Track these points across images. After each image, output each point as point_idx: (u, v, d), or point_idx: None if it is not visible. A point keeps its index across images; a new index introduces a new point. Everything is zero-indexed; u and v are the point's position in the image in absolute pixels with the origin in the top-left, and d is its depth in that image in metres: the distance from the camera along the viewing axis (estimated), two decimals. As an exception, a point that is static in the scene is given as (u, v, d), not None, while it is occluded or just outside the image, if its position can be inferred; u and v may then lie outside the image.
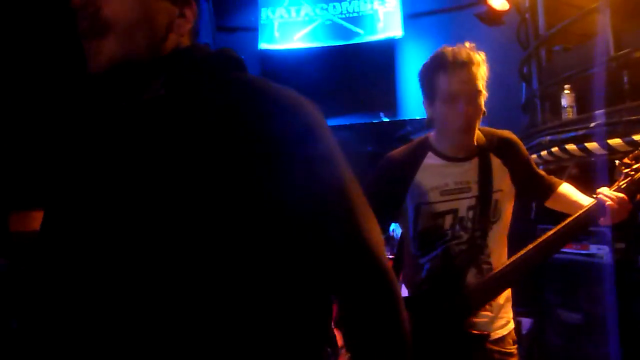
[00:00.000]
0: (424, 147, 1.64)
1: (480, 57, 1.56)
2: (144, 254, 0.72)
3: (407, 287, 1.80)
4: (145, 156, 0.76)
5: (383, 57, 4.95)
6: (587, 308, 2.45)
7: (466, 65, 1.51)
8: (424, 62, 1.60)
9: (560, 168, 2.79)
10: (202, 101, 0.79)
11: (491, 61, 4.79)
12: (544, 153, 2.83)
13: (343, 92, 5.06)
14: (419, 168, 1.62)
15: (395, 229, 5.33)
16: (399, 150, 1.68)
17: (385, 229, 2.18)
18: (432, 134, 1.65)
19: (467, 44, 1.58)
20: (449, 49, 1.55)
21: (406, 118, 5.14)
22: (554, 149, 2.71)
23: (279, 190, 0.75)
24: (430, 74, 1.55)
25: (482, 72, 1.55)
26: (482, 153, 1.63)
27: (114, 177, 0.77)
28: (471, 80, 1.52)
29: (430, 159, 1.63)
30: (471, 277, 1.60)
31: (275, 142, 0.76)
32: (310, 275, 0.80)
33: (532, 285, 2.74)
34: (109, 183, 0.77)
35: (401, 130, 5.60)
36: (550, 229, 1.56)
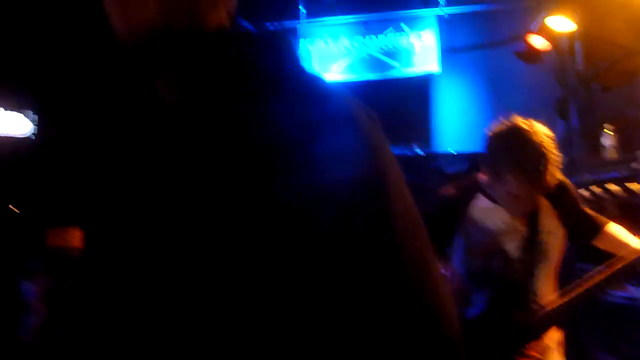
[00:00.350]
0: (474, 188, 1.68)
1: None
2: (182, 258, 0.61)
3: None
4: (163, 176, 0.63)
5: (419, 90, 5.01)
6: (628, 351, 2.38)
7: (539, 144, 1.55)
8: (496, 132, 1.61)
9: (600, 207, 2.76)
10: (232, 115, 0.60)
11: (527, 97, 4.86)
12: (583, 191, 2.80)
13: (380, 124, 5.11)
14: (469, 208, 1.66)
15: None
16: (448, 189, 1.73)
17: None
18: (482, 176, 1.68)
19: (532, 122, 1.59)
20: (520, 127, 1.57)
21: (440, 152, 5.15)
22: (595, 188, 2.68)
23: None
24: (502, 151, 1.58)
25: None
26: None
27: (149, 189, 0.66)
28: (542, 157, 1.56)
29: (481, 201, 1.67)
30: (517, 316, 1.60)
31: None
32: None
33: (571, 326, 2.68)
34: (145, 197, 0.66)
35: (434, 163, 5.61)
36: (590, 269, 1.56)
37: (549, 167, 1.53)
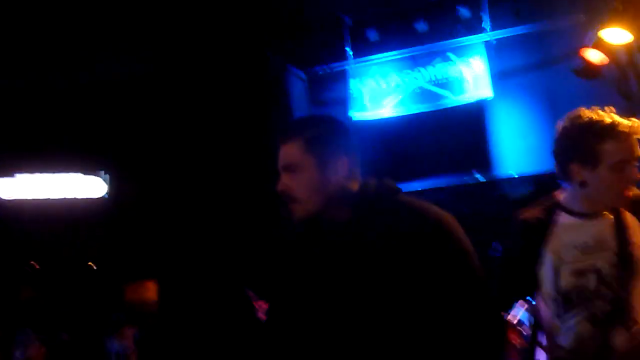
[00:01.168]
0: (554, 207, 1.66)
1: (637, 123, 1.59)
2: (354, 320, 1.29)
3: (547, 351, 1.75)
4: (343, 260, 1.33)
5: (474, 117, 4.97)
6: None
7: (631, 132, 1.56)
8: (572, 124, 1.63)
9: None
10: (376, 223, 1.33)
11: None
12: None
13: (435, 154, 5.10)
14: (554, 227, 1.63)
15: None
16: (529, 212, 1.70)
17: (519, 298, 2.11)
18: (560, 193, 1.66)
19: (611, 109, 1.61)
20: (606, 115, 1.59)
21: (502, 176, 5.05)
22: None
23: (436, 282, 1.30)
24: (594, 140, 1.57)
25: None
26: (613, 209, 1.62)
27: (326, 275, 1.34)
28: (637, 147, 1.57)
29: (564, 218, 1.64)
30: (619, 338, 1.53)
31: (421, 248, 1.31)
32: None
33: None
34: (322, 279, 1.34)
35: (498, 189, 5.48)
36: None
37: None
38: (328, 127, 1.43)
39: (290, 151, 1.37)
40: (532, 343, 1.83)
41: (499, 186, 5.42)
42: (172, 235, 5.22)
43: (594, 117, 1.58)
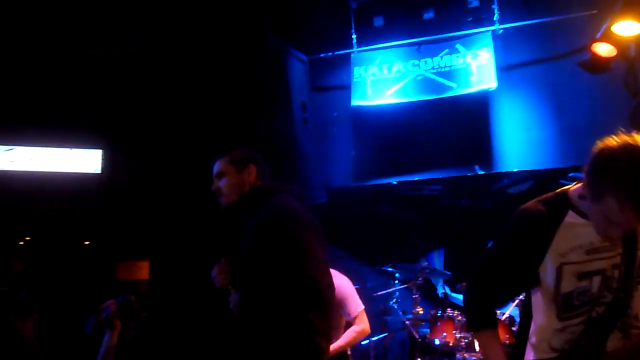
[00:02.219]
0: (564, 204, 1.58)
1: None
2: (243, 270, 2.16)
3: (535, 350, 1.69)
4: (245, 238, 2.21)
5: (477, 109, 4.88)
6: None
7: None
8: (619, 150, 1.42)
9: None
10: (259, 216, 2.17)
11: (594, 110, 4.58)
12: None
13: (435, 146, 5.02)
14: (560, 225, 1.56)
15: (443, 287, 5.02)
16: (534, 205, 1.62)
17: (517, 294, 2.05)
18: (572, 192, 1.58)
19: None
20: None
21: (503, 170, 4.97)
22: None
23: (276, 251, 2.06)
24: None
25: None
26: None
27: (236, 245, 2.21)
28: None
29: (572, 218, 1.57)
30: (615, 341, 1.48)
31: (278, 232, 2.08)
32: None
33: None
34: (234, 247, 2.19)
35: (498, 183, 5.41)
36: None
37: None
38: (244, 148, 2.36)
39: (220, 164, 2.30)
40: (520, 341, 1.77)
41: (498, 180, 5.36)
42: (165, 214, 5.17)
43: (618, 146, 1.42)
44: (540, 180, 5.06)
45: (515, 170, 4.92)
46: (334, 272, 3.48)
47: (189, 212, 4.93)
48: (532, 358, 1.72)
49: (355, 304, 3.41)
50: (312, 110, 5.08)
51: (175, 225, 5.18)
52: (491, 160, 4.94)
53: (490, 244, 1.88)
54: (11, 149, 5.33)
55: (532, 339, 1.70)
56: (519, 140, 4.87)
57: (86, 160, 5.39)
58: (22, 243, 6.47)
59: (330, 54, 5.37)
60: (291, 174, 4.50)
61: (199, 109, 4.82)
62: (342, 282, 3.42)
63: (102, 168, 5.41)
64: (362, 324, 3.39)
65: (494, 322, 1.77)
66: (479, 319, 1.72)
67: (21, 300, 2.28)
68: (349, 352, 3.50)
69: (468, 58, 4.90)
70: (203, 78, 4.72)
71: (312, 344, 1.91)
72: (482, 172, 4.93)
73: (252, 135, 4.29)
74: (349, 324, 3.44)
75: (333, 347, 3.21)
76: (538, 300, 1.66)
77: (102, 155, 5.42)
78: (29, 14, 4.72)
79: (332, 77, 5.51)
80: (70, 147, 5.42)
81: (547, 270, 1.55)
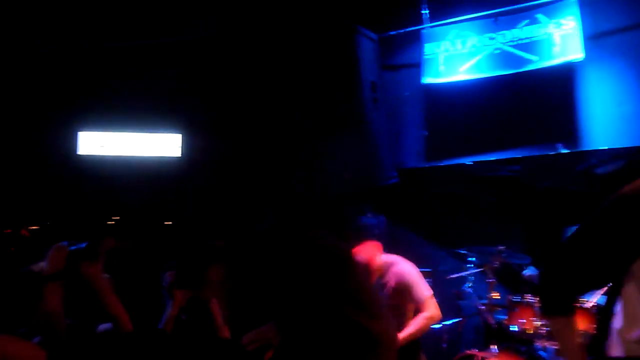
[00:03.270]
0: None
1: None
2: None
3: (624, 345, 1.54)
4: None
5: (560, 83, 4.54)
6: None
7: None
8: None
9: None
10: None
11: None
12: None
13: (513, 123, 4.75)
14: None
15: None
16: (634, 189, 1.45)
17: (603, 284, 1.84)
18: None
19: None
20: None
21: (589, 149, 4.61)
22: None
23: None
24: None
25: None
26: None
27: None
28: None
29: None
30: None
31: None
32: None
33: None
34: None
35: (583, 163, 5.04)
36: None
37: None
38: None
39: None
40: (601, 331, 1.62)
41: (584, 160, 4.98)
42: (243, 198, 5.31)
43: None
44: (633, 159, 4.65)
45: (604, 148, 4.55)
46: (398, 258, 3.43)
47: (265, 195, 5.04)
48: (618, 354, 1.56)
49: (423, 289, 3.32)
50: (382, 89, 4.97)
51: (250, 210, 5.31)
52: (576, 138, 4.60)
53: (579, 226, 1.66)
54: (96, 133, 5.69)
55: (622, 333, 1.54)
56: (609, 116, 4.49)
57: (167, 145, 5.65)
58: (111, 223, 6.93)
59: (400, 31, 5.21)
60: (362, 155, 4.45)
61: (270, 92, 4.88)
62: (407, 268, 3.37)
63: (182, 152, 5.65)
64: (431, 309, 3.30)
65: (571, 308, 1.62)
66: (554, 304, 1.60)
67: (85, 247, 2.39)
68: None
69: (551, 28, 4.55)
70: (273, 60, 4.76)
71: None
72: (566, 151, 4.61)
73: (322, 116, 4.28)
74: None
75: (402, 335, 3.18)
76: (631, 292, 1.49)
77: (182, 139, 5.64)
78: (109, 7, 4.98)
79: (403, 55, 5.36)
80: (152, 131, 5.69)
81: None
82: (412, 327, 3.27)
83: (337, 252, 1.81)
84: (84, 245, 2.43)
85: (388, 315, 1.86)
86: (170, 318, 2.90)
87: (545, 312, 1.73)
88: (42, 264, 2.33)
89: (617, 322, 1.59)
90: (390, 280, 3.34)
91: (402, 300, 3.33)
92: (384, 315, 1.81)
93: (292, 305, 1.73)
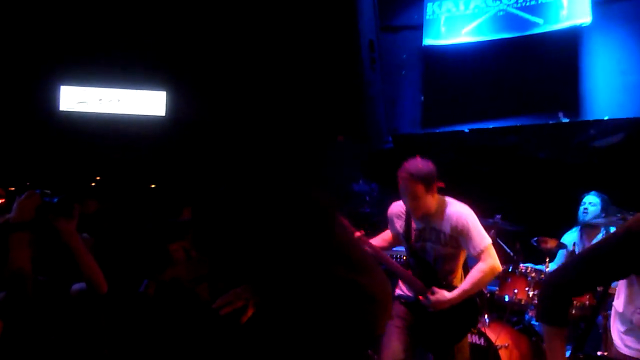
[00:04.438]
0: None
1: None
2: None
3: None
4: None
5: (565, 48, 4.38)
6: None
7: None
8: None
9: None
10: None
11: None
12: None
13: (514, 90, 4.60)
14: None
15: None
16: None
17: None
18: None
19: None
20: None
21: (590, 119, 4.48)
22: None
23: None
24: None
25: None
26: None
27: None
28: None
29: None
30: None
31: None
32: None
33: None
34: None
35: (583, 134, 4.92)
36: None
37: None
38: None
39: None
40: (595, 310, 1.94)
41: (584, 131, 4.86)
42: (228, 158, 5.13)
43: None
44: (633, 132, 4.54)
45: (605, 118, 4.43)
46: (452, 200, 2.87)
47: (249, 157, 4.86)
48: (617, 330, 1.75)
49: (481, 237, 2.77)
50: (380, 52, 4.78)
51: (235, 169, 5.14)
52: (578, 107, 4.47)
53: (587, 250, 1.90)
54: (79, 88, 5.42)
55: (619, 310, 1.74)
56: (613, 85, 4.36)
57: (151, 103, 5.41)
58: (93, 184, 6.72)
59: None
60: (356, 116, 4.28)
61: (261, 47, 4.65)
62: (465, 211, 2.81)
63: (166, 111, 5.43)
64: (489, 260, 2.75)
65: (566, 321, 1.74)
66: (552, 315, 1.72)
67: (59, 202, 2.23)
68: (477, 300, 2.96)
69: (558, -10, 4.37)
70: (266, 15, 4.53)
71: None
72: (567, 120, 4.48)
73: (316, 73, 4.08)
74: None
75: (455, 292, 2.72)
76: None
77: (166, 97, 5.42)
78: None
79: (403, 16, 5.14)
80: (136, 88, 5.45)
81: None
82: (466, 283, 2.75)
83: (325, 209, 1.77)
84: (56, 199, 2.27)
85: (380, 270, 1.84)
86: (151, 283, 2.82)
87: (542, 319, 1.82)
88: (10, 214, 2.15)
89: (618, 302, 1.79)
90: (444, 225, 2.79)
91: (456, 248, 2.81)
92: (377, 271, 1.80)
93: (279, 266, 1.67)
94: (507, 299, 3.89)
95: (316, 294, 1.64)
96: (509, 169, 5.36)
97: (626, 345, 1.70)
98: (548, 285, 1.80)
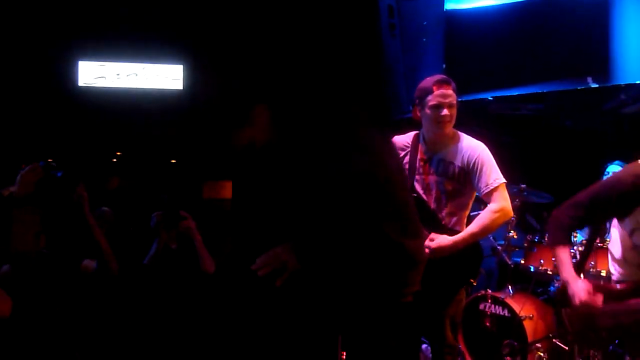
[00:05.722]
0: None
1: None
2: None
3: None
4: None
5: (595, 9, 4.17)
6: None
7: None
8: None
9: None
10: None
11: None
12: None
13: (540, 54, 4.41)
14: None
15: None
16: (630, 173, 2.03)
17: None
18: None
19: None
20: None
21: (622, 83, 4.28)
22: None
23: None
24: None
25: None
26: None
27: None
28: None
29: None
30: None
31: None
32: None
33: None
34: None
35: (612, 100, 4.71)
36: None
37: None
38: None
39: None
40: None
41: (613, 96, 4.66)
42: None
43: None
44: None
45: (638, 82, 4.23)
46: (466, 135, 2.69)
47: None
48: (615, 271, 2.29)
49: (496, 174, 2.53)
50: (399, 18, 4.63)
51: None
52: (608, 70, 4.26)
53: (588, 189, 2.15)
54: (102, 65, 5.40)
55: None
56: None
57: (168, 77, 5.37)
58: (115, 160, 6.76)
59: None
60: (376, 85, 4.17)
61: (278, 17, 4.55)
62: (478, 144, 2.60)
63: (183, 85, 5.38)
64: (501, 202, 2.48)
65: (570, 241, 2.29)
66: (563, 240, 2.14)
67: (62, 176, 2.26)
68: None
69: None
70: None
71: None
72: (596, 85, 4.29)
73: (334, 42, 3.97)
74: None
75: (460, 235, 2.48)
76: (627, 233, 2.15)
77: (183, 71, 5.37)
78: None
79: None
80: (153, 62, 5.41)
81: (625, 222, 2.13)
82: (474, 225, 2.49)
83: (383, 161, 1.71)
84: (60, 173, 2.29)
85: (424, 232, 1.99)
86: (155, 254, 2.97)
87: (552, 243, 2.23)
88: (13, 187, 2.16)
89: (615, 249, 2.26)
90: (456, 156, 2.58)
91: (463, 186, 2.57)
92: (423, 234, 1.89)
93: (324, 222, 1.61)
94: (532, 269, 3.81)
95: (360, 252, 1.61)
96: (534, 138, 5.20)
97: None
98: (560, 219, 2.15)
